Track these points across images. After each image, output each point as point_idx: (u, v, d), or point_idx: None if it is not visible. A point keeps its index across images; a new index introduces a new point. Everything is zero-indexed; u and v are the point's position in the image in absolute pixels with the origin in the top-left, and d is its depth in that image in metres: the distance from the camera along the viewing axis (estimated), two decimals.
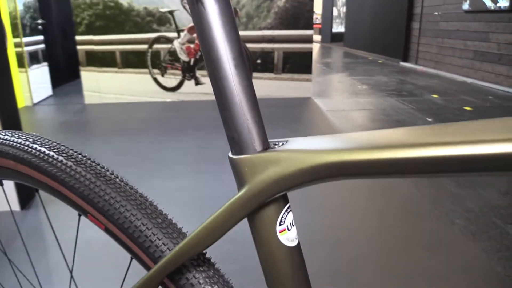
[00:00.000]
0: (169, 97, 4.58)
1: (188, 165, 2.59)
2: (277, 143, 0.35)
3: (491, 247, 1.68)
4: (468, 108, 3.96)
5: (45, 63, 5.01)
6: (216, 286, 0.40)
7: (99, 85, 4.52)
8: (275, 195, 0.34)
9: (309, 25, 4.45)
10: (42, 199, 0.96)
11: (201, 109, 4.13)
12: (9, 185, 1.98)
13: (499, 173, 0.24)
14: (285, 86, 4.56)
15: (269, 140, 0.36)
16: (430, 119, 3.58)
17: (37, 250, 1.68)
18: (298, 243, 0.37)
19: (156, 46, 4.44)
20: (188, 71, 4.51)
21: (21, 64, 4.40)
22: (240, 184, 0.35)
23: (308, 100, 4.42)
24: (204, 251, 0.42)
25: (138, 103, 4.48)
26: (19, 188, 2.02)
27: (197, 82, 4.55)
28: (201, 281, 0.39)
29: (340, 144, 0.31)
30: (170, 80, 4.54)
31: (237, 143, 0.35)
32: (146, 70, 4.51)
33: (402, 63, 7.40)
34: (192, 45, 4.43)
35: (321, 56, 9.37)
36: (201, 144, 2.99)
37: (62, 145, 0.47)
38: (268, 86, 4.51)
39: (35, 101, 4.58)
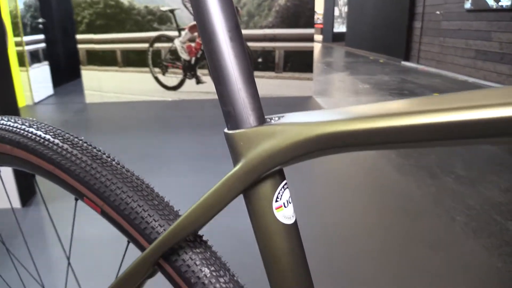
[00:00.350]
0: (170, 96, 4.58)
1: (189, 163, 2.59)
2: (273, 118, 0.35)
3: (491, 243, 1.68)
4: None
5: (46, 62, 5.01)
6: (213, 268, 0.39)
7: (100, 84, 4.53)
8: (271, 170, 0.33)
9: (310, 23, 4.45)
10: (43, 195, 0.96)
11: (202, 108, 4.13)
12: (10, 182, 1.98)
13: (497, 139, 0.24)
14: (286, 85, 4.55)
15: (265, 117, 0.35)
16: None
17: (38, 247, 1.68)
18: (295, 221, 0.36)
19: (157, 45, 4.45)
20: (189, 70, 4.51)
21: (21, 63, 4.41)
22: (236, 159, 0.34)
23: (309, 99, 4.41)
24: (201, 234, 0.42)
25: (139, 102, 4.48)
26: (20, 185, 2.02)
27: (198, 81, 4.55)
28: (197, 262, 0.39)
29: (336, 116, 0.30)
30: (171, 79, 4.54)
31: (232, 118, 0.34)
32: (147, 69, 4.51)
33: (403, 63, 7.39)
34: (193, 44, 4.43)
35: (322, 56, 9.37)
36: (202, 142, 2.99)
37: (59, 129, 0.47)
38: (269, 85, 4.51)
39: (36, 100, 4.59)
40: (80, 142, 0.46)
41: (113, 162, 0.45)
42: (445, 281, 1.45)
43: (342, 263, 1.56)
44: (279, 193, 0.35)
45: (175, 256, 0.39)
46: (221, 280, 0.39)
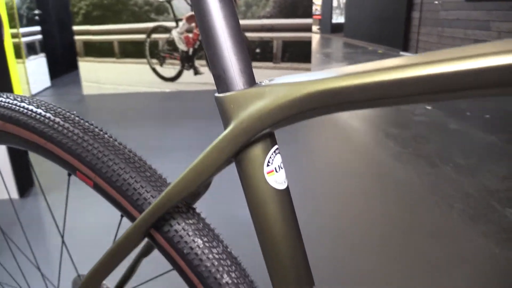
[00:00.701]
0: (168, 87, 4.56)
1: (188, 152, 2.58)
2: (264, 81, 0.35)
3: (489, 230, 1.68)
4: None
5: (43, 54, 4.98)
6: (206, 239, 0.39)
7: (97, 76, 4.50)
8: (262, 132, 0.33)
9: (308, 13, 4.42)
10: (41, 185, 0.96)
11: (200, 99, 4.11)
12: (8, 173, 1.98)
13: (486, 90, 0.24)
14: (284, 75, 4.53)
15: (257, 81, 0.35)
16: (429, 107, 3.57)
17: (36, 238, 1.68)
18: (287, 187, 0.36)
19: (154, 35, 4.42)
20: (187, 61, 4.49)
21: (18, 55, 4.38)
22: (226, 123, 0.34)
23: None
24: (194, 206, 0.41)
25: (136, 93, 4.47)
26: (18, 176, 2.02)
27: (196, 72, 4.53)
28: (190, 233, 0.39)
29: (326, 75, 0.30)
30: (169, 70, 4.52)
31: (223, 81, 0.34)
32: (144, 60, 4.49)
33: (402, 53, 7.36)
34: (190, 35, 4.41)
35: (321, 47, 9.34)
36: (201, 132, 2.99)
37: (51, 104, 0.47)
38: (267, 75, 4.49)
39: (33, 92, 4.57)
40: (72, 116, 0.45)
41: (105, 136, 0.44)
42: (443, 266, 1.46)
43: (341, 251, 1.56)
44: (270, 157, 0.34)
45: (167, 226, 0.39)
46: (214, 251, 0.39)
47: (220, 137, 0.34)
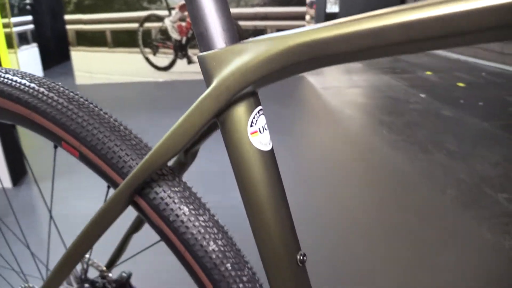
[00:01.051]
0: (162, 76, 4.53)
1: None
2: (247, 39, 0.34)
3: (481, 215, 1.70)
4: (461, 85, 3.96)
5: (35, 44, 4.92)
6: (192, 206, 0.39)
7: (90, 65, 4.46)
8: (245, 90, 0.33)
9: (301, 1, 4.40)
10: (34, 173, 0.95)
11: (194, 89, 4.09)
12: (1, 162, 1.97)
13: (476, 36, 0.23)
14: None
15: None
16: (423, 95, 3.58)
17: (29, 224, 1.67)
18: (272, 149, 0.36)
19: (147, 24, 4.38)
20: (180, 50, 4.46)
21: (10, 45, 4.33)
22: (208, 81, 0.34)
23: (301, 78, 4.39)
24: (181, 175, 0.41)
25: (130, 83, 4.43)
26: (11, 165, 2.01)
27: (190, 61, 4.50)
28: (176, 200, 0.38)
29: (309, 28, 0.29)
30: (162, 59, 4.48)
31: (205, 39, 0.33)
32: (137, 50, 4.45)
33: None
34: (183, 23, 4.37)
35: None
36: None
37: (36, 75, 0.46)
38: None
39: None
40: (57, 86, 0.45)
41: (91, 105, 0.44)
42: (435, 250, 1.47)
43: (332, 233, 1.57)
44: (254, 117, 0.34)
45: (153, 194, 0.38)
46: (201, 218, 0.38)
47: (202, 96, 0.34)
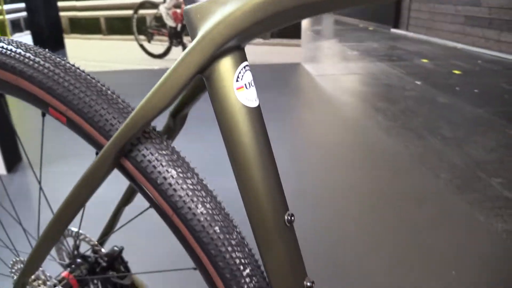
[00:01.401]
0: (157, 64, 4.49)
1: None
2: None
3: (474, 199, 1.71)
4: (457, 72, 3.96)
5: (28, 32, 4.88)
6: (180, 170, 0.38)
7: (84, 53, 4.42)
8: (229, 42, 0.32)
9: None
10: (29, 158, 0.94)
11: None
12: None
13: None
14: (274, 51, 4.49)
15: None
16: (419, 82, 3.57)
17: (23, 210, 1.67)
18: (259, 106, 0.35)
19: (141, 11, 4.33)
20: (175, 37, 4.42)
21: (3, 32, 4.29)
22: (193, 35, 0.33)
23: (297, 66, 4.38)
24: (169, 140, 0.41)
25: (124, 71, 4.40)
26: (5, 151, 2.00)
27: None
28: (163, 163, 0.38)
29: None
30: (157, 46, 4.44)
31: None
32: (132, 37, 4.41)
33: (393, 30, 7.32)
34: (178, 10, 4.32)
35: (311, 24, 9.24)
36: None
37: (21, 41, 0.45)
38: (256, 52, 4.45)
39: None
40: (43, 52, 0.44)
41: (78, 70, 0.43)
42: (428, 232, 1.48)
43: (327, 215, 1.58)
44: (240, 72, 0.34)
45: (140, 157, 0.38)
46: (189, 181, 0.38)
47: (187, 50, 0.33)
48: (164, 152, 0.39)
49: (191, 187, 0.38)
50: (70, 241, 0.63)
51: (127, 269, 0.63)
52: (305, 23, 9.17)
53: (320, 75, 3.95)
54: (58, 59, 0.44)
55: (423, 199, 1.70)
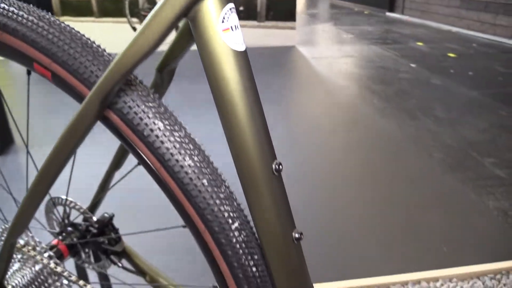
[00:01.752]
0: None
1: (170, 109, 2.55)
2: None
3: (467, 178, 1.72)
4: (451, 55, 3.95)
5: None
6: (167, 122, 0.38)
7: None
8: None
9: None
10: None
11: (182, 59, 4.03)
12: None
13: None
14: (269, 34, 4.45)
15: None
16: (413, 65, 3.57)
17: (16, 190, 1.66)
18: (245, 51, 0.35)
19: None
20: None
21: None
22: None
23: (292, 49, 4.35)
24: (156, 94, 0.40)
25: (117, 54, 4.35)
26: None
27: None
28: (150, 115, 0.37)
29: None
30: None
31: None
32: (124, 19, 4.34)
33: (388, 14, 7.27)
34: None
35: (306, 7, 9.16)
36: (183, 91, 2.95)
37: None
38: (251, 34, 4.41)
39: None
40: (27, 6, 0.43)
41: (62, 24, 0.42)
42: (419, 210, 1.49)
43: (322, 193, 1.59)
44: (225, 13, 0.33)
45: (127, 109, 0.37)
46: (176, 134, 0.38)
47: None
48: (151, 104, 0.38)
49: (178, 139, 0.37)
50: (61, 210, 0.63)
51: (118, 236, 0.63)
52: (300, 6, 9.09)
53: (315, 58, 3.92)
54: (42, 13, 0.43)
55: (415, 178, 1.71)
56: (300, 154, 1.95)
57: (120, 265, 0.62)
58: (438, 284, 1.08)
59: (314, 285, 1.10)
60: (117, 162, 0.53)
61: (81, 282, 0.47)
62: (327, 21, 6.76)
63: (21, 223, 0.44)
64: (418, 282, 1.08)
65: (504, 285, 1.08)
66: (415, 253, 1.27)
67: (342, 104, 2.66)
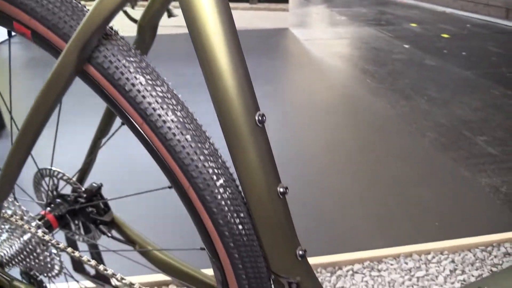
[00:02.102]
0: None
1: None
2: None
3: (459, 156, 1.73)
4: (445, 36, 3.93)
5: None
6: (149, 77, 0.37)
7: None
8: None
9: None
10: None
11: (174, 42, 3.99)
12: None
13: None
14: (261, 16, 4.40)
15: None
16: (407, 46, 3.55)
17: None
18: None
19: None
20: None
21: None
22: None
23: (285, 31, 4.31)
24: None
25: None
26: None
27: (170, 14, 4.36)
28: (131, 70, 0.37)
29: None
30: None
31: None
32: None
33: None
34: None
35: None
36: (176, 73, 2.92)
37: None
38: (243, 17, 4.36)
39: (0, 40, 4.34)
40: None
41: None
42: (414, 188, 1.50)
43: (314, 171, 1.59)
44: None
45: (107, 63, 0.37)
46: (158, 89, 0.37)
47: None
48: (132, 59, 0.37)
49: (160, 94, 0.37)
50: (49, 181, 0.62)
51: (107, 206, 0.62)
52: None
53: (308, 40, 3.89)
54: None
55: (408, 156, 1.72)
56: (292, 134, 1.94)
57: (109, 235, 0.62)
58: (429, 256, 1.09)
59: None
60: (103, 129, 0.52)
61: (69, 249, 0.47)
62: (320, 3, 6.69)
63: (6, 183, 0.44)
64: (410, 254, 1.09)
65: (495, 256, 1.09)
66: (407, 227, 1.28)
67: (335, 85, 2.65)
